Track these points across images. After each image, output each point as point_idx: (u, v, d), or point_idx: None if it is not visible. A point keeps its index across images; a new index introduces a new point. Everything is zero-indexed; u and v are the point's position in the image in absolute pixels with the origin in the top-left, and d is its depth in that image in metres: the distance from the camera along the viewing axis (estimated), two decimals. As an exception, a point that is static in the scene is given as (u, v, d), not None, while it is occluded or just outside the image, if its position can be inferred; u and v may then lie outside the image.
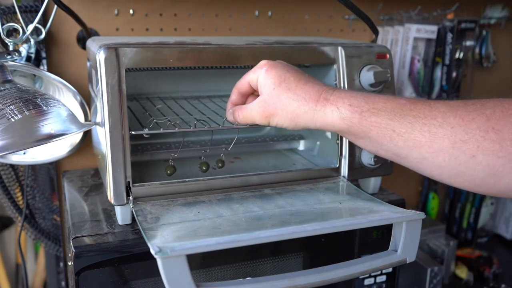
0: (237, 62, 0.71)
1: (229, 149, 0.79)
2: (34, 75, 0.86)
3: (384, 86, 0.78)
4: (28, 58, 0.83)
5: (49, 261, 1.06)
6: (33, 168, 0.98)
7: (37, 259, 1.52)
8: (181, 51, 0.67)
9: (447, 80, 1.09)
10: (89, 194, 0.80)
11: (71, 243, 0.63)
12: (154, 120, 0.73)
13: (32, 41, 0.82)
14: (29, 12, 0.84)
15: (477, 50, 1.20)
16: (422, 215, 0.63)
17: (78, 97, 0.82)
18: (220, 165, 0.77)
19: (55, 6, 0.78)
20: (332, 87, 0.62)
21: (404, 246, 0.63)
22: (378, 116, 0.57)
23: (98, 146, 0.74)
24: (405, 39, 1.05)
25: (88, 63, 0.84)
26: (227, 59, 0.70)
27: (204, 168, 0.76)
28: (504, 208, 1.33)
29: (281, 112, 0.63)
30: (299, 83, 0.62)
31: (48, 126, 0.62)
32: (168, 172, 0.74)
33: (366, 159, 0.77)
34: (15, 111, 0.61)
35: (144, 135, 0.70)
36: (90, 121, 0.84)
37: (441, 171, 0.54)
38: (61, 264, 1.03)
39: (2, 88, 0.66)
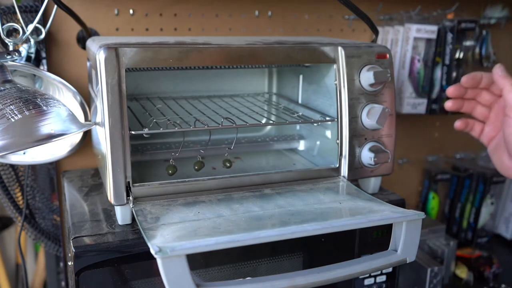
0: (237, 62, 0.71)
1: (231, 147, 0.79)
2: (34, 75, 0.86)
3: (384, 86, 0.78)
4: (28, 58, 0.83)
5: (49, 261, 1.06)
6: (33, 168, 0.98)
7: (37, 259, 1.52)
8: (181, 51, 0.67)
9: (447, 80, 1.09)
10: (89, 194, 0.80)
11: (71, 243, 0.63)
12: (154, 120, 0.73)
13: (32, 41, 0.82)
14: (29, 12, 0.84)
15: (477, 50, 1.19)
16: (422, 215, 0.63)
17: (78, 97, 0.82)
18: (228, 165, 0.77)
19: (55, 6, 0.78)
20: None
21: (404, 246, 0.63)
22: None
23: (98, 146, 0.74)
24: (405, 39, 1.05)
25: (88, 63, 0.84)
26: (227, 59, 0.70)
27: (196, 167, 0.76)
28: (504, 208, 1.32)
29: None
30: None
31: (48, 126, 0.62)
32: (169, 171, 0.74)
33: (366, 159, 0.77)
34: (15, 111, 0.61)
35: (144, 135, 0.70)
36: (90, 121, 0.84)
37: None
38: (61, 264, 1.03)
39: (2, 88, 0.66)
